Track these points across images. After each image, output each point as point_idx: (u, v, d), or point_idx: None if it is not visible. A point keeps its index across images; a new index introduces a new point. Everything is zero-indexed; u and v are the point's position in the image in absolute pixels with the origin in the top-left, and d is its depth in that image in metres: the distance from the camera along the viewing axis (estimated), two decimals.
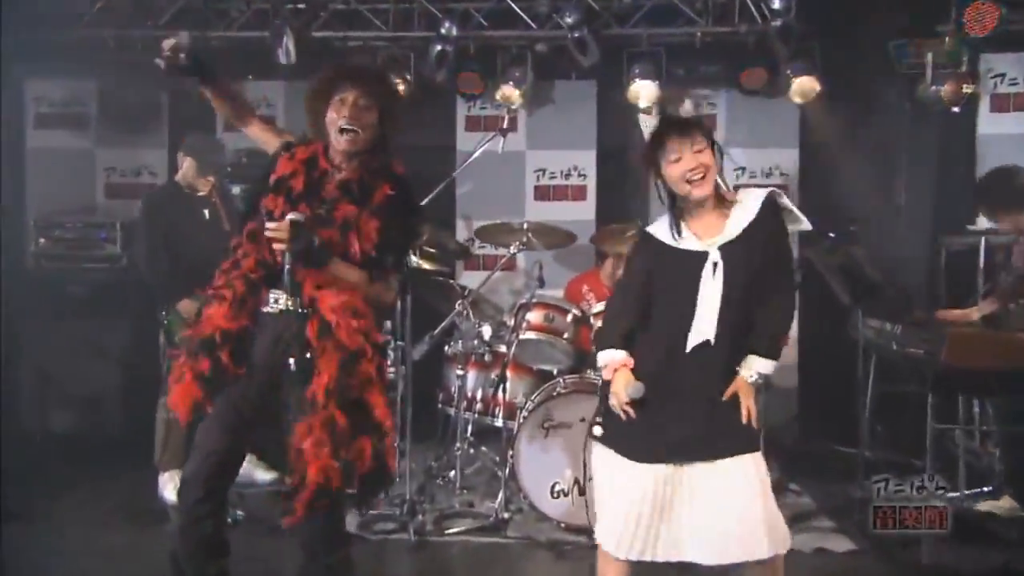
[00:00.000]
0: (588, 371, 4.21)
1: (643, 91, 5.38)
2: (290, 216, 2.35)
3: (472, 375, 4.33)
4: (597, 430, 2.54)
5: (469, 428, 4.37)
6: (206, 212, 4.33)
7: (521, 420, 3.89)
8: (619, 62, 5.43)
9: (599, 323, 4.09)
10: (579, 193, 5.77)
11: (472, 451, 4.39)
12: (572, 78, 5.77)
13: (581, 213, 5.64)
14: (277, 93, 5.91)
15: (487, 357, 4.30)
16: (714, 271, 2.38)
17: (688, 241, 2.45)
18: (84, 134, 5.89)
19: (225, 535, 2.57)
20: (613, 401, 2.47)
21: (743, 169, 5.71)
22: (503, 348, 4.17)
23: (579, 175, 5.77)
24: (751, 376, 2.42)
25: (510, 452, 3.85)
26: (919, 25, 5.28)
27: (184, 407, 2.48)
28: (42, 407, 5.16)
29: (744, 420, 2.38)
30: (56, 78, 5.82)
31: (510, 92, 5.45)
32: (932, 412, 3.68)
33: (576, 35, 5.25)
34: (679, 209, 2.47)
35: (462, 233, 5.68)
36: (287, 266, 2.34)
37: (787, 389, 5.63)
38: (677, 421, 2.40)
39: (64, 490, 4.32)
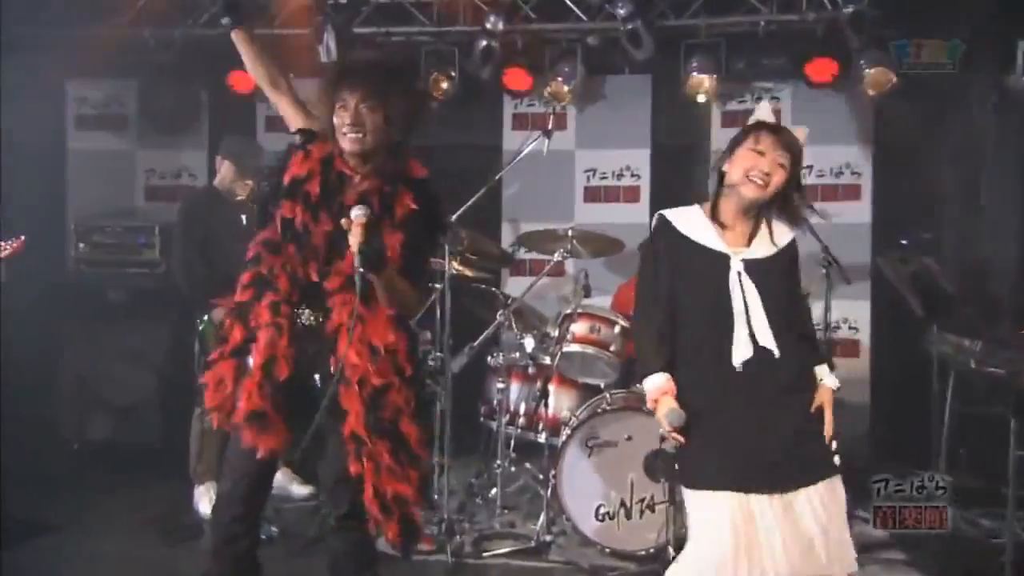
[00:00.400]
0: (637, 385, 4.21)
1: (701, 85, 5.35)
2: (355, 211, 2.25)
3: (515, 388, 4.37)
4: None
5: (511, 444, 4.40)
6: (244, 217, 4.42)
7: (564, 437, 3.89)
8: (676, 55, 5.39)
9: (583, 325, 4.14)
10: (631, 195, 5.74)
11: (514, 468, 4.42)
12: (625, 72, 5.75)
13: (633, 216, 5.60)
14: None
15: (531, 369, 4.32)
16: (740, 279, 2.43)
17: (712, 239, 2.48)
18: (124, 135, 6.11)
19: (257, 556, 2.63)
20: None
21: (810, 168, 5.60)
22: (547, 360, 4.18)
23: (632, 175, 5.74)
24: (835, 384, 2.46)
25: (552, 471, 3.87)
26: (1009, 11, 5.10)
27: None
28: (81, 414, 5.35)
29: (828, 434, 2.40)
30: (97, 78, 6.04)
31: (559, 88, 5.45)
32: (1015, 438, 3.58)
33: (629, 27, 5.22)
34: (716, 203, 2.53)
35: (508, 237, 5.72)
36: (360, 270, 2.25)
37: (858, 406, 5.50)
38: (747, 446, 2.42)
39: (98, 501, 4.49)
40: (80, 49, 5.55)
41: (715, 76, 5.33)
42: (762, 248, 2.51)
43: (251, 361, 2.46)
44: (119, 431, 5.30)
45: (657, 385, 2.51)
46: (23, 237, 3.00)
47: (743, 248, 2.50)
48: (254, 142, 4.84)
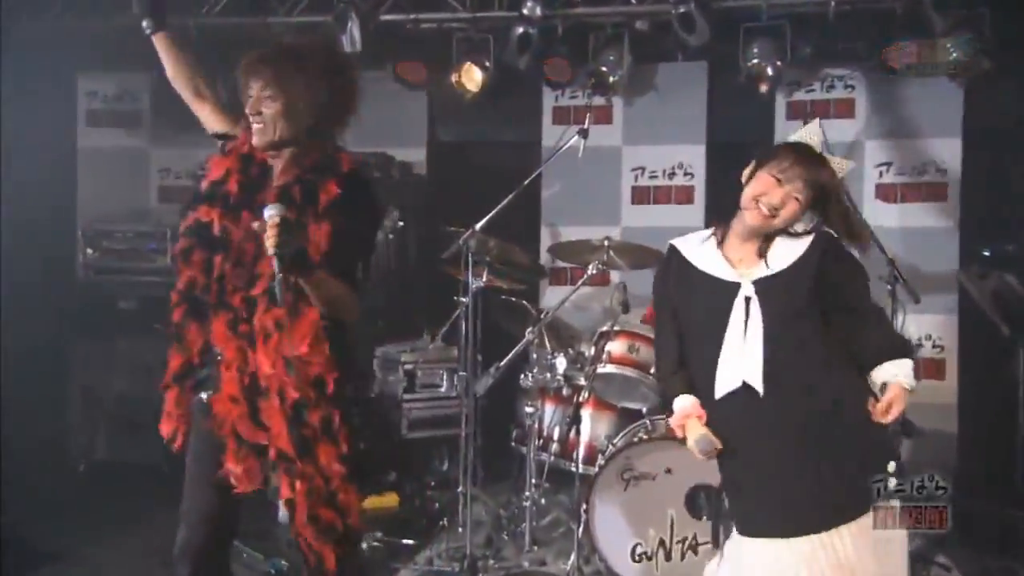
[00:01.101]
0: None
1: (763, 73, 5.27)
2: (268, 211, 2.22)
3: (548, 411, 4.39)
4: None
5: (544, 472, 4.41)
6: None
7: (597, 468, 3.88)
8: (735, 40, 5.32)
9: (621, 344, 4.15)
10: (684, 195, 5.70)
11: (545, 500, 4.43)
12: (679, 60, 5.71)
13: (687, 218, 5.55)
14: None
15: (565, 391, 4.32)
16: (747, 306, 2.43)
17: (720, 268, 2.50)
18: (137, 132, 6.29)
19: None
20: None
21: (888, 165, 5.50)
22: (582, 381, 4.17)
23: (685, 174, 5.70)
24: (909, 381, 2.43)
25: (584, 505, 3.86)
26: None
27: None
28: (88, 433, 5.52)
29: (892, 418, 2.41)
30: (109, 71, 6.22)
31: (603, 78, 5.43)
32: None
33: (681, 10, 5.18)
34: (725, 226, 2.56)
35: (548, 243, 5.71)
36: (278, 275, 2.23)
37: (944, 435, 5.38)
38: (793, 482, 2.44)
39: (103, 526, 4.61)
40: (91, 40, 5.74)
41: (778, 63, 5.24)
42: (780, 258, 2.48)
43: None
44: (127, 451, 5.43)
45: (682, 408, 2.57)
46: None
47: (753, 267, 2.49)
48: None
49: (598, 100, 5.70)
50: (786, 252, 2.48)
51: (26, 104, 5.71)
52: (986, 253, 3.87)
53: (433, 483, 4.92)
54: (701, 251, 2.56)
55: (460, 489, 4.24)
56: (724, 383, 2.45)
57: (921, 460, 5.31)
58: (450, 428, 4.51)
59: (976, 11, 5.00)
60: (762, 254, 2.49)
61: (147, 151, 6.32)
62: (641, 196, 5.79)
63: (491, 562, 4.12)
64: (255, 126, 2.42)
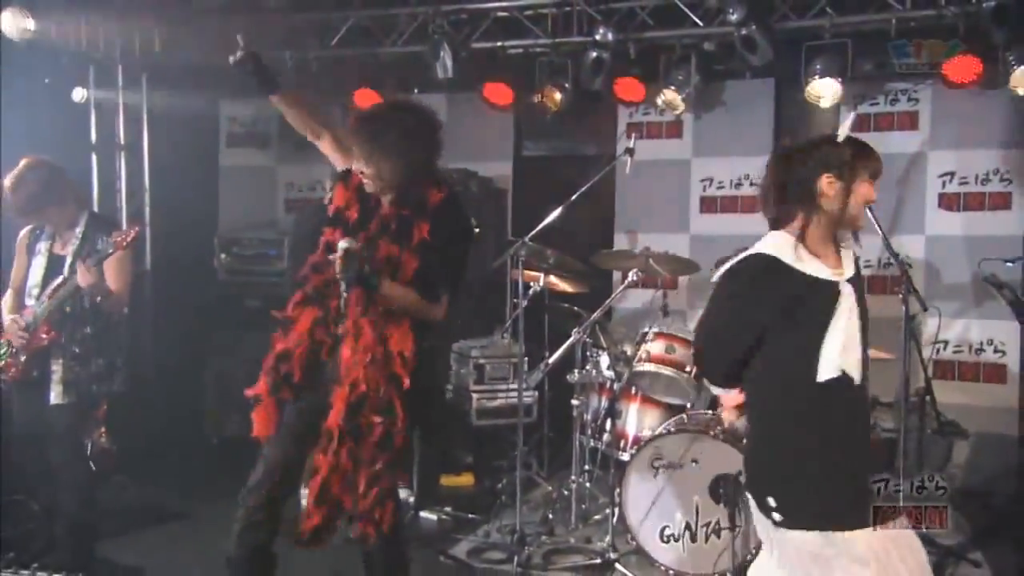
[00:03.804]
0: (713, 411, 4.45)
1: (825, 90, 5.42)
2: (341, 244, 2.75)
3: (595, 403, 4.72)
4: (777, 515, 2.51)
5: (596, 459, 4.76)
6: None
7: (630, 456, 4.22)
8: (799, 57, 5.49)
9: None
10: (750, 205, 5.88)
11: (593, 485, 4.79)
12: (746, 77, 5.91)
13: (753, 227, 5.68)
14: (440, 106, 6.61)
15: (615, 386, 4.65)
16: (847, 303, 2.50)
17: (819, 270, 2.51)
18: (267, 152, 7.03)
19: (273, 550, 3.12)
20: None
21: (951, 175, 5.53)
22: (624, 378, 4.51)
23: (751, 184, 5.90)
24: None
25: (617, 490, 4.20)
26: None
27: (265, 428, 3.09)
28: (222, 412, 6.26)
29: None
30: (245, 98, 6.98)
31: (672, 96, 5.71)
32: None
33: (743, 32, 5.38)
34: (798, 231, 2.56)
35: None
36: (343, 293, 2.79)
37: (1006, 438, 5.39)
38: (845, 477, 2.49)
39: (229, 494, 5.28)
40: (232, 72, 6.48)
41: (840, 79, 5.38)
42: (850, 263, 2.60)
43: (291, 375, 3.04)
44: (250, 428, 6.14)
45: (733, 396, 2.83)
46: (137, 228, 3.82)
47: (842, 268, 2.56)
48: None
49: (668, 116, 5.99)
50: (848, 256, 2.60)
51: (175, 127, 6.55)
52: (1009, 263, 3.92)
53: (504, 466, 5.33)
54: (797, 256, 2.50)
55: (518, 472, 4.63)
56: (826, 370, 2.47)
57: (982, 463, 5.39)
58: (514, 417, 4.92)
59: None
60: (840, 256, 2.57)
61: (275, 168, 7.06)
62: (709, 205, 6.04)
63: (543, 538, 4.51)
64: (366, 180, 2.94)
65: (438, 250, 2.95)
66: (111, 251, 3.67)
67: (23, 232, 4.07)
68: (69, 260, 3.88)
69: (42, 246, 3.98)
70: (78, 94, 6.34)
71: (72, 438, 3.99)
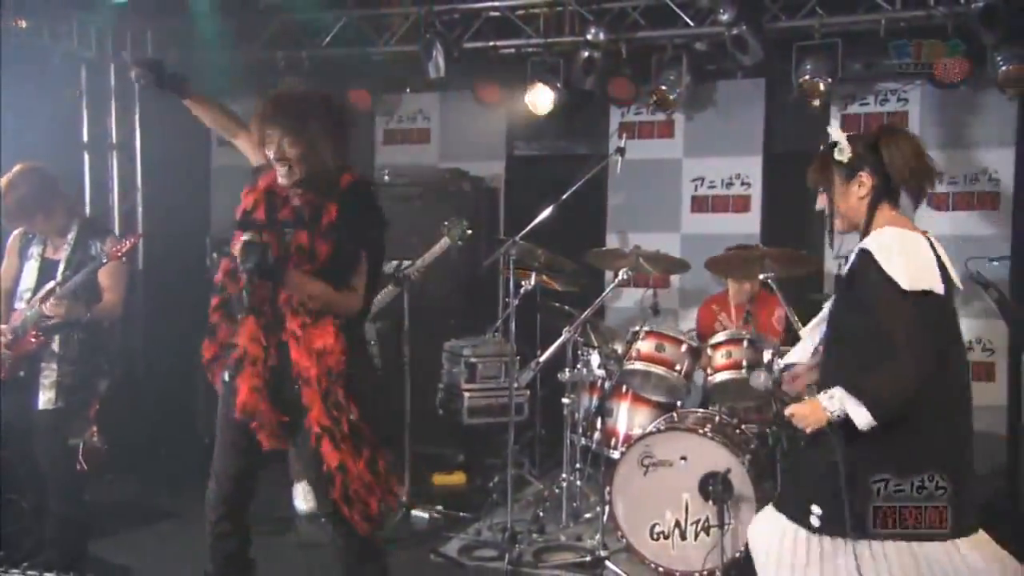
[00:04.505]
0: (713, 405, 4.47)
1: (815, 89, 5.43)
2: (243, 236, 2.73)
3: (586, 402, 4.73)
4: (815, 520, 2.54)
5: (587, 458, 4.78)
6: None
7: (620, 454, 4.23)
8: (790, 58, 5.51)
9: (718, 354, 4.36)
10: (741, 204, 5.92)
11: (585, 483, 4.81)
12: (737, 77, 5.93)
13: (743, 226, 5.79)
14: (432, 105, 6.65)
15: (606, 385, 4.66)
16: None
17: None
18: None
19: (249, 554, 3.16)
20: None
21: (941, 175, 5.51)
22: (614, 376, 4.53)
23: (742, 184, 5.92)
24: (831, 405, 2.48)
25: (608, 488, 4.22)
26: None
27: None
28: (211, 414, 6.21)
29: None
30: (236, 99, 6.93)
31: (663, 96, 5.72)
32: None
33: (734, 32, 5.40)
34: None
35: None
36: (245, 285, 2.77)
37: (994, 437, 5.38)
38: None
39: None
40: (231, 72, 6.47)
41: (829, 79, 5.40)
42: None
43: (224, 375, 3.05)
44: None
45: None
46: (135, 238, 3.84)
47: None
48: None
49: (659, 116, 6.01)
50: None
51: (166, 132, 6.52)
52: (995, 262, 3.94)
53: (496, 464, 5.33)
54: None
55: (511, 471, 4.64)
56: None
57: (976, 461, 5.37)
58: (506, 416, 4.93)
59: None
60: None
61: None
62: (700, 205, 6.05)
63: (533, 535, 4.52)
64: (280, 169, 2.88)
65: (348, 233, 2.89)
66: (104, 260, 3.69)
67: (14, 234, 4.07)
68: (62, 266, 3.89)
69: (35, 250, 3.99)
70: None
71: (59, 440, 3.96)
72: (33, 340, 3.84)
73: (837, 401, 2.46)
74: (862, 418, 2.41)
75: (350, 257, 2.93)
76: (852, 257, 2.56)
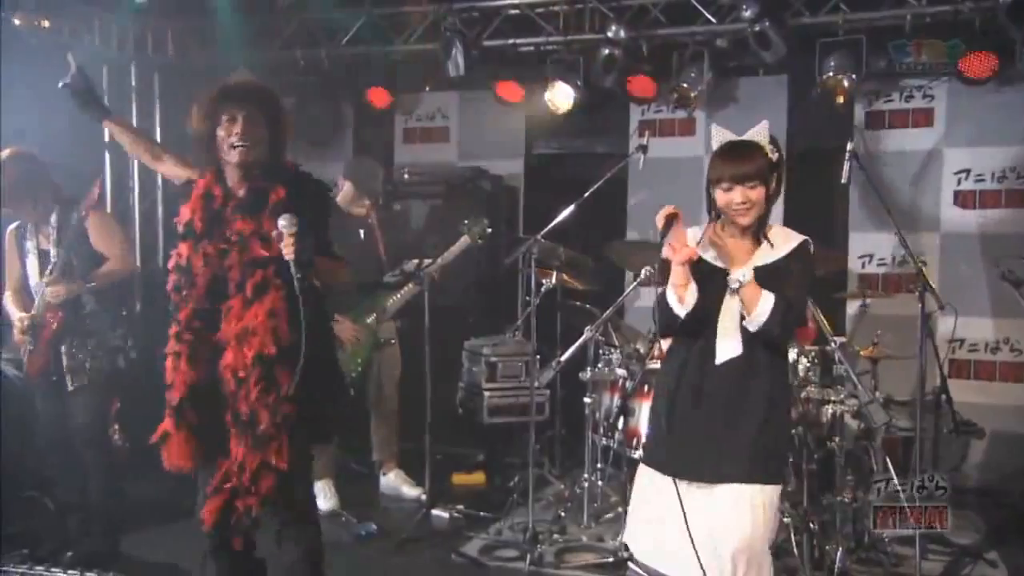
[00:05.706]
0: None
1: (838, 86, 5.39)
2: (282, 223, 2.68)
3: (607, 402, 4.70)
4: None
5: (608, 457, 4.74)
6: (361, 232, 5.09)
7: (636, 455, 4.19)
8: (814, 54, 5.46)
9: None
10: None
11: (607, 483, 4.78)
12: (760, 74, 5.87)
13: None
14: (451, 104, 6.63)
15: (627, 384, 4.63)
16: (733, 293, 2.72)
17: (715, 258, 2.82)
18: None
19: (253, 560, 3.11)
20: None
21: (967, 172, 5.49)
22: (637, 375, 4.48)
23: None
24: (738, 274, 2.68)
25: (629, 488, 4.17)
26: None
27: (186, 461, 2.99)
28: None
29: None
30: None
31: (685, 93, 5.68)
32: None
33: (757, 28, 5.36)
34: (719, 223, 2.87)
35: None
36: (297, 277, 2.70)
37: (1020, 436, 5.34)
38: (693, 436, 2.76)
39: None
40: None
41: (853, 76, 5.35)
42: (764, 257, 2.79)
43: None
44: None
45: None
46: (97, 182, 3.88)
47: (744, 264, 2.77)
48: (375, 164, 5.36)
49: (680, 114, 5.96)
50: (770, 252, 2.85)
51: (186, 129, 6.53)
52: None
53: (517, 464, 5.31)
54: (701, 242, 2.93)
55: (533, 470, 4.61)
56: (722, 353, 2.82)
57: (1001, 461, 5.35)
58: (527, 415, 4.91)
59: None
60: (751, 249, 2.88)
61: None
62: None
63: (555, 536, 4.49)
64: (240, 145, 2.81)
65: (297, 208, 2.80)
66: (84, 214, 3.76)
67: (9, 231, 4.10)
68: (53, 251, 3.92)
69: (30, 245, 4.02)
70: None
71: (97, 424, 4.06)
72: (52, 320, 3.91)
73: (748, 279, 2.66)
74: (767, 303, 2.64)
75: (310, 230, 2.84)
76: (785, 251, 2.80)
